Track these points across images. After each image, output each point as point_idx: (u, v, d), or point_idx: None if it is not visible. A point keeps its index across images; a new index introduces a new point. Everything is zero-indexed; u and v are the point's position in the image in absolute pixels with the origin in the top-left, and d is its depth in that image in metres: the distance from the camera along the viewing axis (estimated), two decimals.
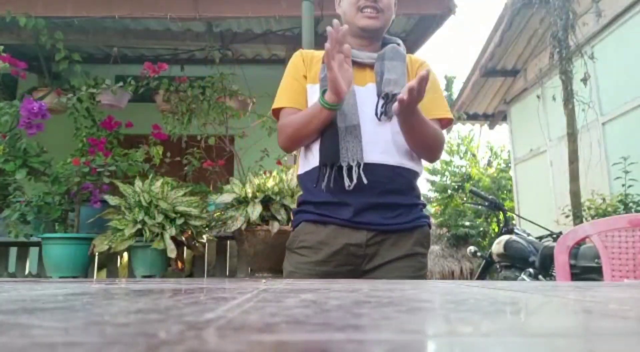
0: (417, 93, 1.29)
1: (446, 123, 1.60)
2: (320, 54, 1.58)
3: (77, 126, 2.69)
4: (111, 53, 4.16)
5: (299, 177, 1.59)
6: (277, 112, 1.60)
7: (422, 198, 1.59)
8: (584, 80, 4.63)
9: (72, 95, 2.77)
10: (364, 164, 1.41)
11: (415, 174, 1.53)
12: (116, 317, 0.41)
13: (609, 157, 5.22)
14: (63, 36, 3.40)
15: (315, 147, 1.49)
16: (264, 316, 0.41)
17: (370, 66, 1.54)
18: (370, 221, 1.44)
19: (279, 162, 2.92)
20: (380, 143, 1.46)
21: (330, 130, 1.44)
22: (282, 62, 4.76)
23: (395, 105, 1.35)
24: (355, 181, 1.40)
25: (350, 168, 1.41)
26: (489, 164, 11.99)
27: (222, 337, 0.29)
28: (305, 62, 1.60)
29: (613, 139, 5.30)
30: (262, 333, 0.32)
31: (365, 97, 1.49)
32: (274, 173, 2.45)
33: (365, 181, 1.40)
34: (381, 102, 1.47)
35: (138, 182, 2.23)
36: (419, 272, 1.51)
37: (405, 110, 1.35)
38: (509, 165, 9.38)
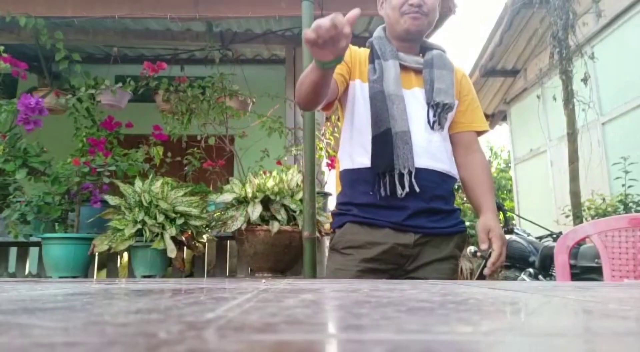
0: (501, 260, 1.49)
1: (483, 133, 1.68)
2: (365, 51, 1.60)
3: (77, 126, 2.69)
4: (111, 53, 4.15)
5: (343, 173, 1.56)
6: None
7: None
8: (584, 80, 4.63)
9: (71, 95, 2.77)
10: (416, 170, 1.44)
11: (455, 181, 1.59)
12: (116, 317, 0.41)
13: (609, 157, 5.22)
14: (63, 36, 3.40)
15: (360, 149, 1.50)
16: (264, 316, 0.40)
17: (415, 70, 1.56)
18: (418, 224, 1.47)
19: (279, 162, 2.92)
20: (429, 149, 1.49)
21: (383, 136, 1.44)
22: (282, 62, 4.76)
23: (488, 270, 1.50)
24: (407, 188, 1.43)
25: (401, 175, 1.43)
26: (489, 164, 11.99)
27: (222, 337, 0.29)
28: (353, 53, 1.57)
29: (613, 139, 5.30)
30: (262, 333, 0.32)
31: (413, 102, 1.51)
32: (274, 173, 2.45)
33: (417, 188, 1.43)
34: (432, 111, 1.51)
35: (138, 182, 2.23)
36: (454, 274, 1.58)
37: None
38: (509, 165, 9.38)
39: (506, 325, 0.39)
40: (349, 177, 1.54)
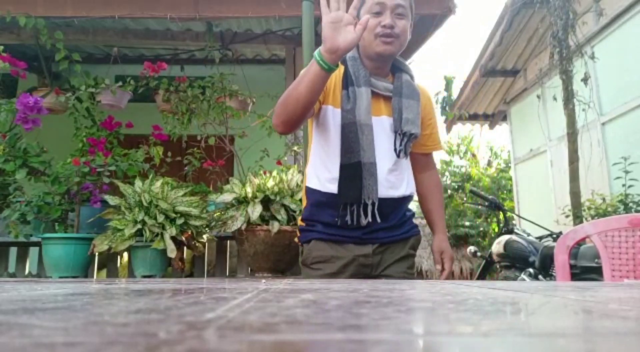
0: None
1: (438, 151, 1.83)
2: (339, 74, 1.61)
3: (77, 126, 2.69)
4: (111, 53, 4.15)
5: (309, 190, 1.63)
6: None
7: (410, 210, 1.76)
8: (584, 80, 4.63)
9: (71, 94, 2.77)
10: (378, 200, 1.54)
11: (412, 196, 1.71)
12: (116, 317, 0.41)
13: (609, 157, 5.21)
14: (63, 36, 3.40)
15: (328, 175, 1.57)
16: (264, 316, 0.40)
17: (384, 97, 1.61)
18: (375, 237, 1.60)
19: (279, 162, 2.92)
20: (390, 179, 1.59)
21: (352, 168, 1.52)
22: (282, 62, 4.76)
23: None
24: (369, 218, 1.53)
25: (366, 205, 1.53)
26: (489, 164, 11.98)
27: (222, 337, 0.29)
28: (331, 80, 1.59)
29: (613, 139, 5.30)
30: (262, 333, 0.32)
31: (380, 131, 1.58)
32: (274, 173, 2.45)
33: (379, 219, 1.54)
34: (399, 140, 1.59)
35: (138, 182, 2.23)
36: (412, 269, 1.72)
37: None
38: (509, 165, 9.38)
39: (506, 325, 0.39)
40: (316, 198, 1.61)
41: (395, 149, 1.59)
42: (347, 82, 1.58)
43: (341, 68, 1.61)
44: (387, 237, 1.62)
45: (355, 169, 1.51)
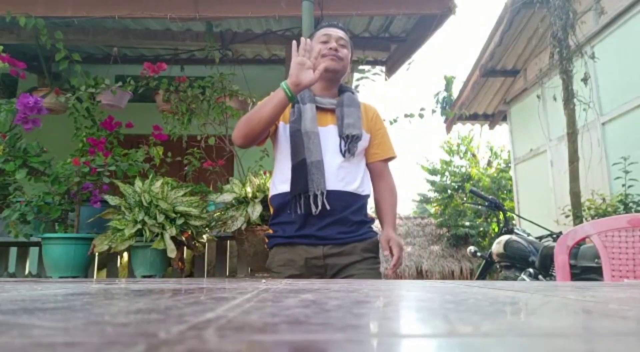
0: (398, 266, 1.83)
1: (393, 159, 1.99)
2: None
3: (77, 126, 2.69)
4: (111, 53, 4.15)
5: (271, 199, 1.91)
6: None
7: (368, 216, 1.91)
8: (584, 80, 4.63)
9: (71, 94, 2.77)
10: (327, 192, 1.74)
11: (367, 197, 1.89)
12: (116, 317, 0.41)
13: (609, 157, 5.22)
14: (63, 36, 3.39)
15: (281, 177, 1.83)
16: (264, 316, 0.41)
17: (331, 110, 1.88)
18: (327, 236, 1.77)
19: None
20: (339, 174, 1.80)
21: (299, 165, 1.75)
22: (282, 62, 4.76)
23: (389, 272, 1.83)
24: (320, 207, 1.72)
25: (315, 196, 1.73)
26: (489, 164, 11.99)
27: (222, 337, 0.29)
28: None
29: (613, 139, 5.30)
30: (262, 333, 0.32)
31: (327, 136, 1.83)
32: None
33: (328, 207, 1.73)
34: (343, 142, 1.81)
35: (138, 182, 2.23)
36: (373, 266, 1.83)
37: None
38: (509, 165, 9.38)
39: (506, 325, 0.39)
40: (277, 202, 1.86)
41: (340, 150, 1.81)
42: (294, 102, 1.86)
43: None
44: (338, 239, 1.76)
45: (302, 166, 1.75)
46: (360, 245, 1.80)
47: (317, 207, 1.72)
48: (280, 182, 1.84)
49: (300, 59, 1.69)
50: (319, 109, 1.86)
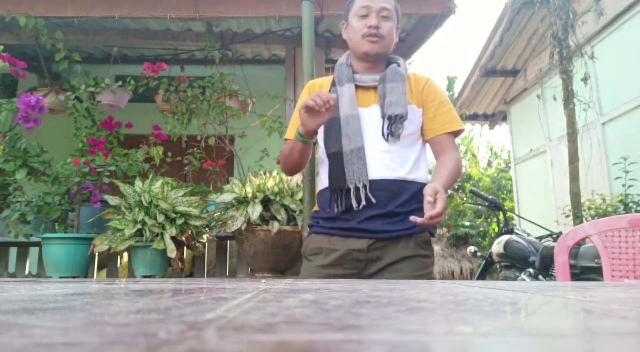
0: (435, 218, 1.40)
1: (459, 132, 1.73)
2: (329, 80, 1.75)
3: (77, 126, 2.69)
4: (111, 53, 4.15)
5: (317, 194, 1.77)
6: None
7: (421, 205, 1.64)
8: (584, 80, 4.63)
9: (71, 94, 2.77)
10: (370, 181, 1.55)
11: (418, 185, 1.61)
12: (116, 317, 0.41)
13: (609, 157, 5.21)
14: (63, 36, 3.39)
15: (324, 170, 1.66)
16: (264, 316, 0.41)
17: (374, 88, 1.66)
18: (371, 228, 1.56)
19: (279, 162, 2.91)
20: (384, 160, 1.59)
21: (336, 156, 1.59)
22: (282, 62, 4.75)
23: (416, 219, 1.41)
24: (363, 202, 1.54)
25: (357, 189, 1.55)
26: (489, 164, 11.99)
27: (222, 337, 0.29)
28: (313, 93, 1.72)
29: (613, 139, 5.30)
30: (262, 333, 0.32)
31: (369, 118, 1.62)
32: (274, 173, 2.45)
33: (373, 200, 1.54)
34: (386, 123, 1.60)
35: (138, 182, 2.23)
36: (422, 271, 1.60)
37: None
38: (509, 165, 9.38)
39: (506, 325, 0.39)
40: (319, 197, 1.73)
41: (383, 134, 1.60)
42: (332, 85, 1.70)
43: (331, 78, 1.75)
44: (385, 232, 1.56)
45: (337, 157, 1.58)
46: (410, 238, 1.59)
47: (358, 202, 1.54)
48: (322, 177, 1.68)
49: (306, 102, 1.46)
50: (360, 87, 1.65)
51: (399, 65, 1.68)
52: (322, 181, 1.68)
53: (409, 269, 1.56)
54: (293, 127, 1.70)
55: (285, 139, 1.77)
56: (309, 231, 1.76)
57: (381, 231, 1.56)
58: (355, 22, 1.65)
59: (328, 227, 1.63)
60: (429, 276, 1.63)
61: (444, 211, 1.44)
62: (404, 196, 1.58)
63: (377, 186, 1.55)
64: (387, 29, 1.64)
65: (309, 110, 1.47)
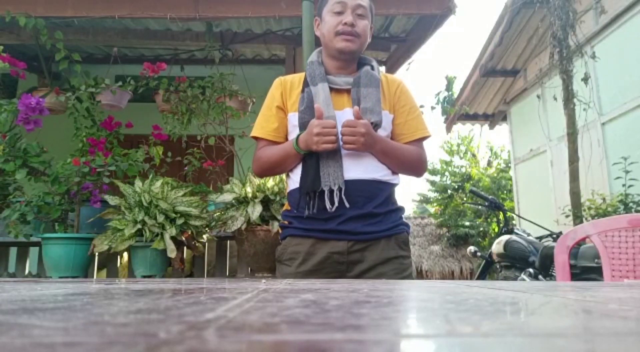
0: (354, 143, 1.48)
1: (427, 138, 1.71)
2: (300, 78, 1.68)
3: (77, 126, 2.69)
4: (111, 53, 4.15)
5: (288, 194, 1.69)
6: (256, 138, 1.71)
7: (398, 203, 1.67)
8: (584, 80, 4.63)
9: (71, 94, 2.77)
10: (346, 182, 1.52)
11: (393, 186, 1.63)
12: (116, 317, 0.41)
13: (609, 157, 5.22)
14: (63, 36, 3.39)
15: (296, 171, 1.61)
16: (264, 316, 0.41)
17: (347, 91, 1.62)
18: (351, 230, 1.54)
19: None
20: (359, 162, 1.56)
21: (311, 157, 1.54)
22: (282, 62, 4.76)
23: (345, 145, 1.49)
24: (337, 204, 1.50)
25: (331, 191, 1.51)
26: (489, 164, 11.99)
27: (222, 337, 0.29)
28: (284, 91, 1.68)
29: (613, 139, 5.30)
30: (262, 333, 0.32)
31: (343, 121, 1.55)
32: None
33: (347, 204, 1.50)
34: None
35: (138, 182, 2.23)
36: (404, 273, 1.59)
37: (355, 149, 1.50)
38: (509, 165, 9.38)
39: (506, 325, 0.39)
40: (290, 198, 1.66)
41: None
42: (304, 85, 1.63)
43: (302, 76, 1.69)
44: (364, 234, 1.54)
45: (312, 159, 1.53)
46: (389, 240, 1.57)
47: (332, 204, 1.50)
48: (295, 176, 1.62)
49: (326, 140, 1.46)
50: (333, 90, 1.61)
51: (372, 68, 1.66)
52: (293, 182, 1.62)
53: (392, 271, 1.55)
54: (263, 127, 1.65)
55: (255, 138, 1.68)
56: (283, 233, 1.68)
57: (361, 232, 1.54)
58: (330, 18, 1.62)
59: (304, 228, 1.58)
60: (409, 277, 1.62)
61: (363, 133, 1.47)
62: (380, 197, 1.57)
63: (354, 186, 1.53)
64: (363, 27, 1.62)
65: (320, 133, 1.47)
